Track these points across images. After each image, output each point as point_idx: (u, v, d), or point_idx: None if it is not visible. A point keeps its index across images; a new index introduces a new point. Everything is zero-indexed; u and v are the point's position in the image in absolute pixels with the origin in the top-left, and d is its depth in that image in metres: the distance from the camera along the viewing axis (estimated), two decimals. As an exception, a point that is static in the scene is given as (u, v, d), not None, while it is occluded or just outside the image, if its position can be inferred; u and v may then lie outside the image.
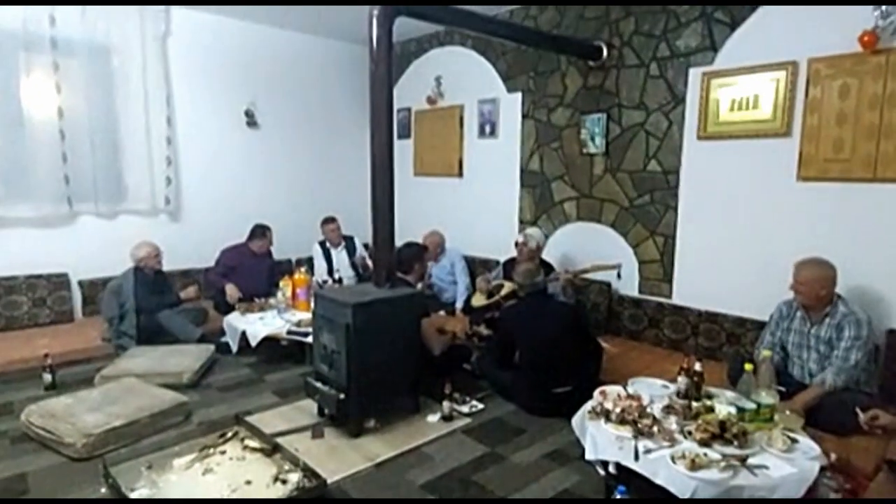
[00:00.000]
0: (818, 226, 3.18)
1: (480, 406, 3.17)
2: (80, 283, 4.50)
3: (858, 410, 2.28)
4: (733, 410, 2.36)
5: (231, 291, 4.38)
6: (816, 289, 2.73)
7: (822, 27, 3.09)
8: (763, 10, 3.32)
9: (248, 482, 2.39)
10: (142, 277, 4.04)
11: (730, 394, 2.56)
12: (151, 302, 4.02)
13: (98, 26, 4.34)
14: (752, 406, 2.34)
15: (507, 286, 3.83)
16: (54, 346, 3.77)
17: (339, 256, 5.09)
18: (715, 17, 3.52)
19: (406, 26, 4.46)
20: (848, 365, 2.62)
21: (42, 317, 4.28)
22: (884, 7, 2.85)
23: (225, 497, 2.28)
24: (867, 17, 2.91)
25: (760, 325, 3.22)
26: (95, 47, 4.36)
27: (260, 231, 4.65)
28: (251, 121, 5.29)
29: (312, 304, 3.36)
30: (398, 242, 3.87)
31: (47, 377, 3.32)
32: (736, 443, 2.18)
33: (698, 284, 3.75)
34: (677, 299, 3.85)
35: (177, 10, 4.74)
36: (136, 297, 3.93)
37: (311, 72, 5.68)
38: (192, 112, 4.94)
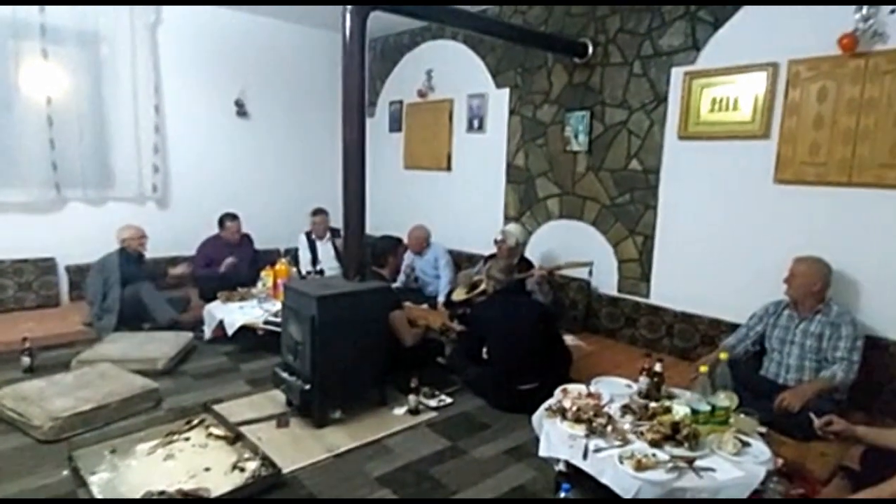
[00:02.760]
0: (794, 229, 3.16)
1: (449, 400, 3.19)
2: (67, 269, 4.56)
3: (813, 416, 2.28)
4: (689, 412, 2.37)
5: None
6: (810, 283, 2.81)
7: (804, 28, 3.06)
8: (746, 10, 3.29)
9: (207, 469, 2.43)
10: (125, 256, 4.17)
11: (690, 395, 2.56)
12: (135, 274, 4.13)
13: (87, 14, 4.37)
14: (707, 408, 2.34)
15: (483, 284, 3.84)
16: (37, 329, 3.85)
17: (325, 248, 5.12)
18: (699, 16, 3.49)
19: (396, 19, 4.46)
20: (855, 365, 2.68)
21: (28, 301, 4.35)
22: (864, 10, 2.82)
23: (182, 482, 2.31)
24: (847, 19, 2.88)
25: (735, 328, 3.21)
26: (85, 35, 4.40)
27: (228, 218, 4.67)
28: (241, 110, 5.32)
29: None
30: (388, 233, 3.94)
31: (26, 360, 3.38)
32: (687, 444, 2.19)
33: (675, 285, 3.74)
34: (654, 299, 3.84)
35: (167, -1, 4.77)
36: (121, 270, 4.05)
37: (300, 62, 5.70)
38: (182, 101, 4.98)
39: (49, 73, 4.25)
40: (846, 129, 2.94)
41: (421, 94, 5.42)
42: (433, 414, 3.05)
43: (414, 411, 3.03)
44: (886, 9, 2.78)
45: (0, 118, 4.14)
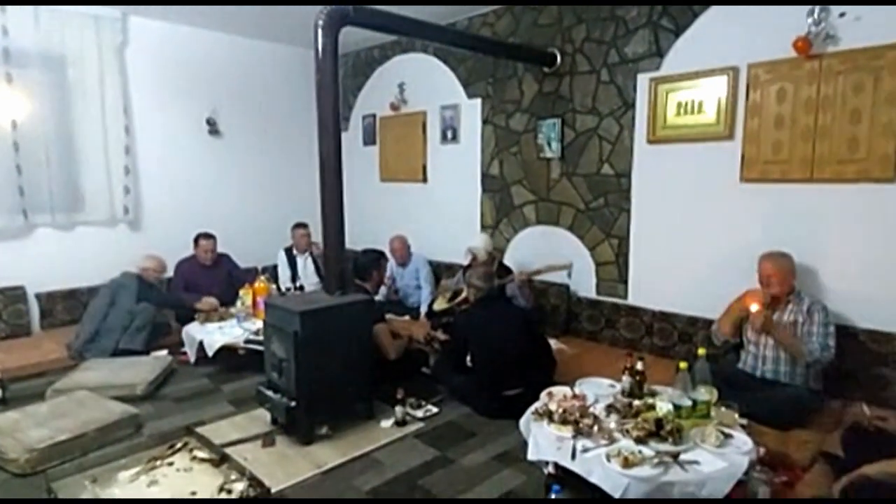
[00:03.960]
0: (761, 226, 3.27)
1: (435, 410, 3.19)
2: (38, 296, 4.45)
3: (865, 406, 2.34)
4: (671, 408, 2.42)
5: (204, 305, 4.35)
6: (787, 278, 2.90)
7: (761, 33, 3.19)
8: (705, 17, 3.41)
9: (193, 493, 2.37)
10: (141, 282, 4.19)
11: (671, 391, 2.61)
12: (148, 299, 4.13)
13: (52, 37, 4.31)
14: (688, 403, 2.39)
15: (465, 292, 3.86)
16: (9, 360, 3.74)
17: (304, 264, 5.09)
18: (661, 23, 3.60)
19: (367, 33, 4.50)
20: (831, 349, 2.75)
21: (-3, 331, 4.23)
22: (815, 14, 2.96)
23: (168, 509, 2.27)
24: (801, 22, 3.01)
25: (710, 324, 3.28)
26: (50, 58, 4.33)
27: (202, 237, 4.62)
28: (213, 129, 5.29)
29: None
30: (367, 247, 3.95)
31: (-3, 392, 3.28)
32: (671, 439, 2.24)
33: (651, 285, 3.82)
34: (632, 300, 3.92)
35: (134, 20, 4.73)
36: (139, 291, 4.08)
37: (272, 79, 5.70)
38: (152, 121, 4.93)
39: (14, 97, 4.17)
40: (805, 128, 3.07)
41: (394, 107, 5.46)
42: (420, 424, 3.05)
43: (401, 423, 3.02)
44: (836, 12, 2.92)
45: (-37, 145, 4.05)
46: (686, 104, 3.50)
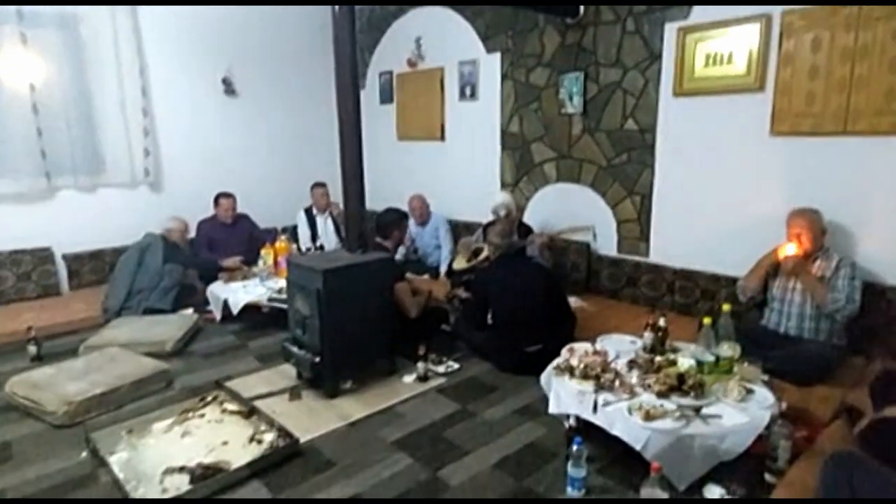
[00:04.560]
0: (790, 181, 3.18)
1: (456, 366, 3.24)
2: (65, 257, 4.55)
3: None
4: (693, 363, 2.42)
5: (230, 263, 4.44)
6: (817, 231, 2.85)
7: (797, -24, 3.02)
8: (738, -39, 3.24)
9: (225, 443, 2.48)
10: (167, 243, 4.29)
11: (694, 347, 2.61)
12: (174, 259, 4.23)
13: (65, -6, 4.26)
14: (711, 359, 2.40)
15: (486, 250, 3.85)
16: (40, 319, 3.85)
17: (324, 223, 5.11)
18: (690, -32, 3.43)
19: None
20: (855, 303, 2.71)
21: (28, 291, 4.34)
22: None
23: (201, 456, 2.35)
24: (840, -36, 2.84)
25: (734, 281, 3.24)
26: (63, 17, 4.29)
27: (222, 196, 4.68)
28: (229, 88, 5.25)
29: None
30: (384, 206, 3.94)
31: (32, 349, 3.40)
32: (693, 394, 2.25)
33: (674, 243, 3.77)
34: (654, 258, 3.87)
35: (146, -23, 4.64)
36: (165, 252, 4.18)
37: (287, 36, 5.60)
38: (168, 82, 4.90)
39: (30, 59, 4.16)
40: (841, 78, 2.93)
41: (411, 63, 5.34)
42: (442, 380, 3.11)
43: (423, 378, 3.08)
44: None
45: (-17, 108, 4.07)
46: (715, 55, 3.36)
